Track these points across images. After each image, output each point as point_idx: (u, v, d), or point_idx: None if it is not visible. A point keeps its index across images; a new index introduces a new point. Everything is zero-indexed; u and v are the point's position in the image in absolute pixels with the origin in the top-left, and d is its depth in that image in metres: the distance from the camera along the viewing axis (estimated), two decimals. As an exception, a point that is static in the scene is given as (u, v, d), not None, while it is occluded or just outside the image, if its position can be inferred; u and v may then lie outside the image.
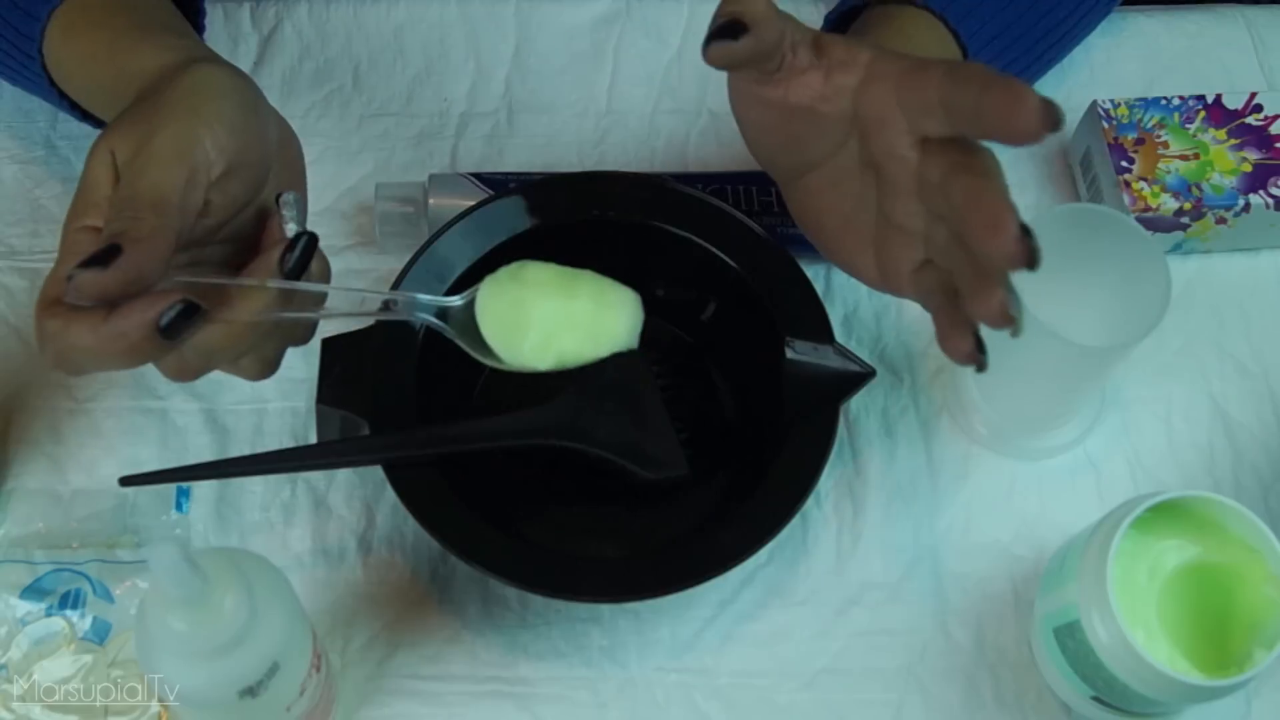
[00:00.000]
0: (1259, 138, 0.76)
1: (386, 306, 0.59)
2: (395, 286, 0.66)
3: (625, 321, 0.61)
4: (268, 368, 0.57)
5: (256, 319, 0.53)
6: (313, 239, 0.54)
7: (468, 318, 0.60)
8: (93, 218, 0.52)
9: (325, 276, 0.56)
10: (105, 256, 0.49)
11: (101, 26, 0.61)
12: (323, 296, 0.55)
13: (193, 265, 0.54)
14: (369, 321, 0.63)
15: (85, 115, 0.67)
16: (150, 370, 0.70)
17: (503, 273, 0.61)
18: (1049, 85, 0.82)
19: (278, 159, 0.57)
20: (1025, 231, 0.51)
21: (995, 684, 0.66)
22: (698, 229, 0.69)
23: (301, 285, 0.54)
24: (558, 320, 0.60)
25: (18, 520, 0.67)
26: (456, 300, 0.60)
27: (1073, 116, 0.80)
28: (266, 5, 0.82)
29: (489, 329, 0.60)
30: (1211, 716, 0.64)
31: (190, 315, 0.50)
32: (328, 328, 0.67)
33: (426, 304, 0.60)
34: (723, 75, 0.82)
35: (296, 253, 0.53)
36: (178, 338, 0.50)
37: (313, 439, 0.67)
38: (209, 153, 0.53)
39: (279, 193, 0.56)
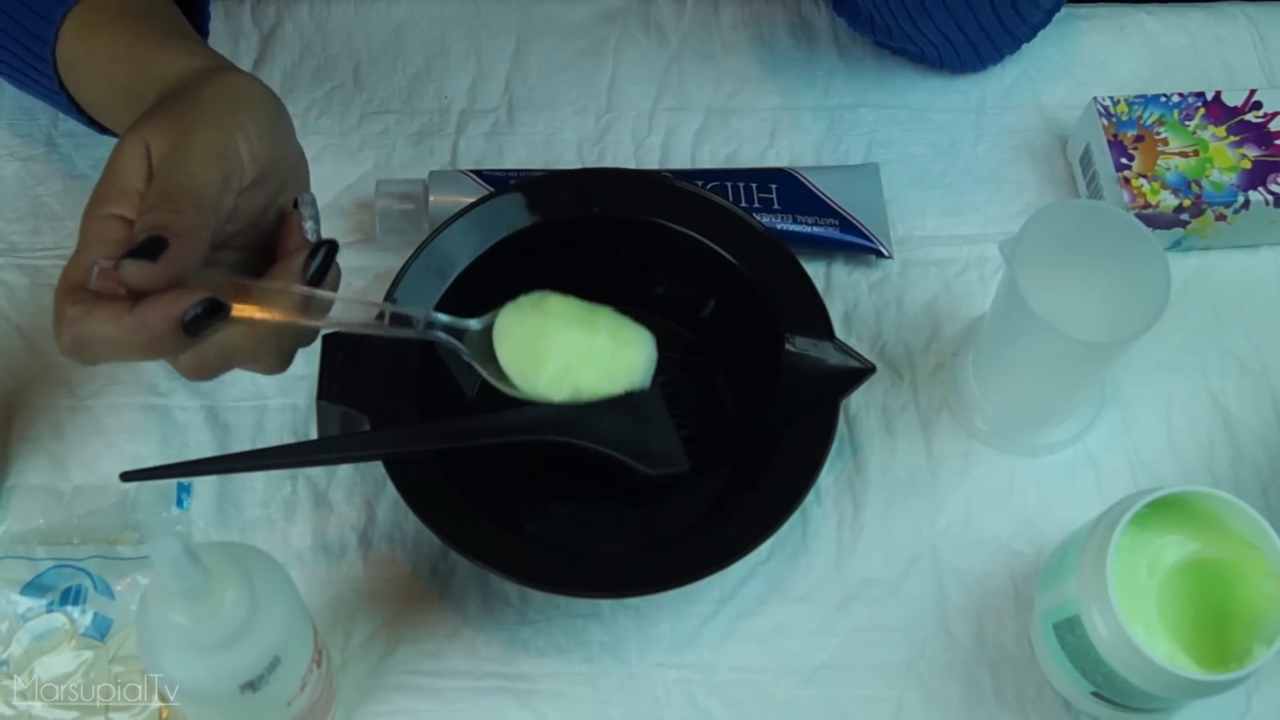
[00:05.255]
0: (1258, 134, 0.76)
1: (403, 321, 0.59)
2: (395, 283, 0.67)
3: (641, 360, 0.61)
4: (283, 363, 0.57)
5: (278, 321, 0.53)
6: (333, 246, 0.55)
7: (485, 341, 0.60)
8: (120, 206, 0.52)
9: (337, 282, 0.57)
10: (152, 248, 0.50)
11: (121, 29, 0.61)
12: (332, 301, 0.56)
13: (207, 268, 0.54)
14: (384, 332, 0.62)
15: (90, 120, 0.67)
16: (152, 367, 0.71)
17: (524, 301, 0.60)
18: (1050, 83, 0.83)
19: (294, 172, 0.58)
20: None
21: (995, 680, 0.66)
22: (697, 226, 0.69)
23: (323, 294, 0.54)
24: (577, 353, 0.59)
25: (19, 516, 0.67)
26: (474, 323, 0.60)
27: (1072, 113, 0.80)
28: (267, 3, 0.82)
29: (507, 355, 0.59)
30: (1211, 712, 0.64)
31: (214, 313, 0.51)
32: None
33: (445, 323, 0.59)
34: (721, 74, 0.82)
35: (318, 259, 0.54)
36: (199, 334, 0.51)
37: (313, 435, 0.67)
38: (243, 159, 0.54)
39: (297, 195, 0.57)
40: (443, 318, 0.59)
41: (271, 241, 0.57)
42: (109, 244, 0.52)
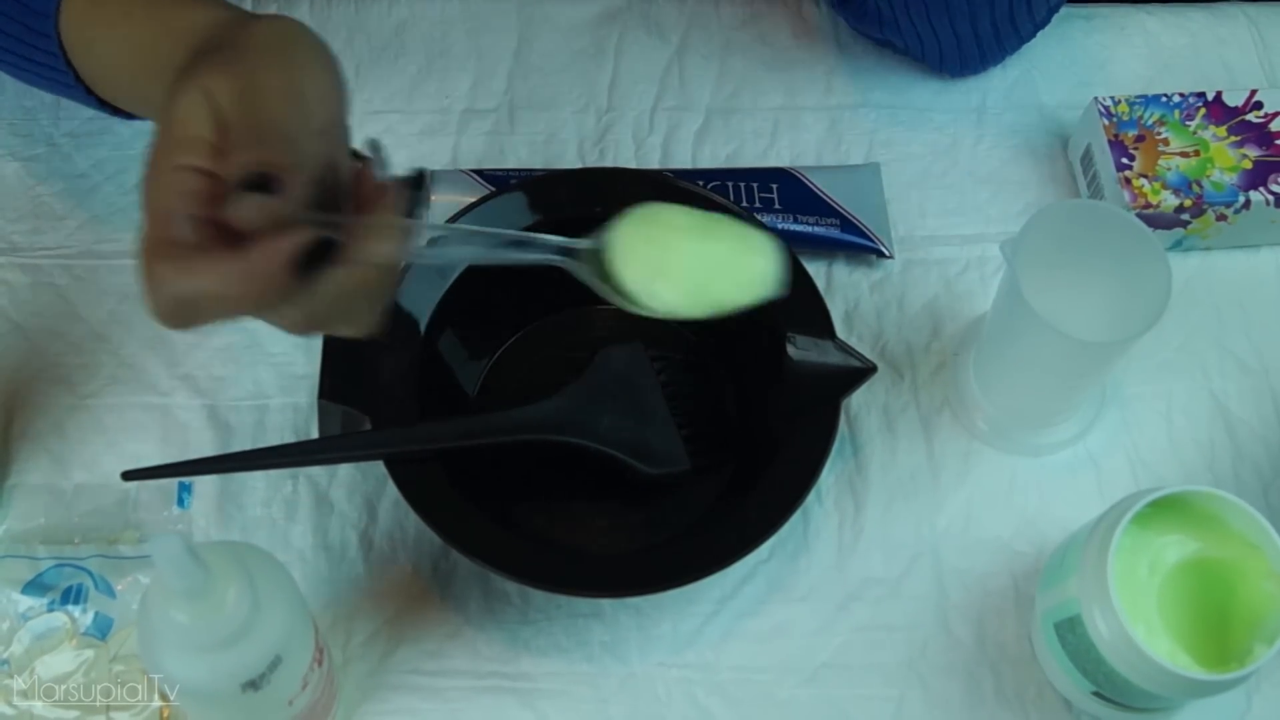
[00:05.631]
0: (1259, 135, 0.76)
1: (515, 243, 0.53)
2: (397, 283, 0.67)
3: (770, 265, 0.55)
4: (381, 319, 0.52)
5: (390, 258, 0.50)
6: (426, 175, 0.52)
7: (597, 261, 0.54)
8: (189, 156, 0.48)
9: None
10: (265, 182, 0.46)
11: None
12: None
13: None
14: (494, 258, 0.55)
15: (101, 103, 0.63)
16: (152, 366, 0.71)
17: (637, 214, 0.55)
18: (1051, 83, 0.83)
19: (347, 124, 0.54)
20: None
21: (996, 679, 0.66)
22: (699, 225, 0.69)
23: (442, 226, 0.51)
24: (704, 264, 0.54)
25: (20, 515, 0.67)
26: (585, 242, 0.54)
27: (1073, 113, 0.80)
28: (268, 2, 0.82)
29: (630, 273, 0.53)
30: (1212, 711, 0.64)
31: (328, 249, 0.47)
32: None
33: (555, 244, 0.54)
34: (722, 73, 0.82)
35: (417, 189, 0.51)
36: (311, 277, 0.47)
37: (314, 434, 0.67)
38: (310, 103, 0.51)
39: (362, 143, 0.53)
40: (551, 239, 0.54)
41: (332, 197, 0.51)
42: (188, 195, 0.47)
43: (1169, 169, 0.75)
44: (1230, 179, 0.74)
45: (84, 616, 0.64)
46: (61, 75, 0.62)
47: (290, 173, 0.47)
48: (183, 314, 0.47)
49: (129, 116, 0.65)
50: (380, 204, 0.50)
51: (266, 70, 0.50)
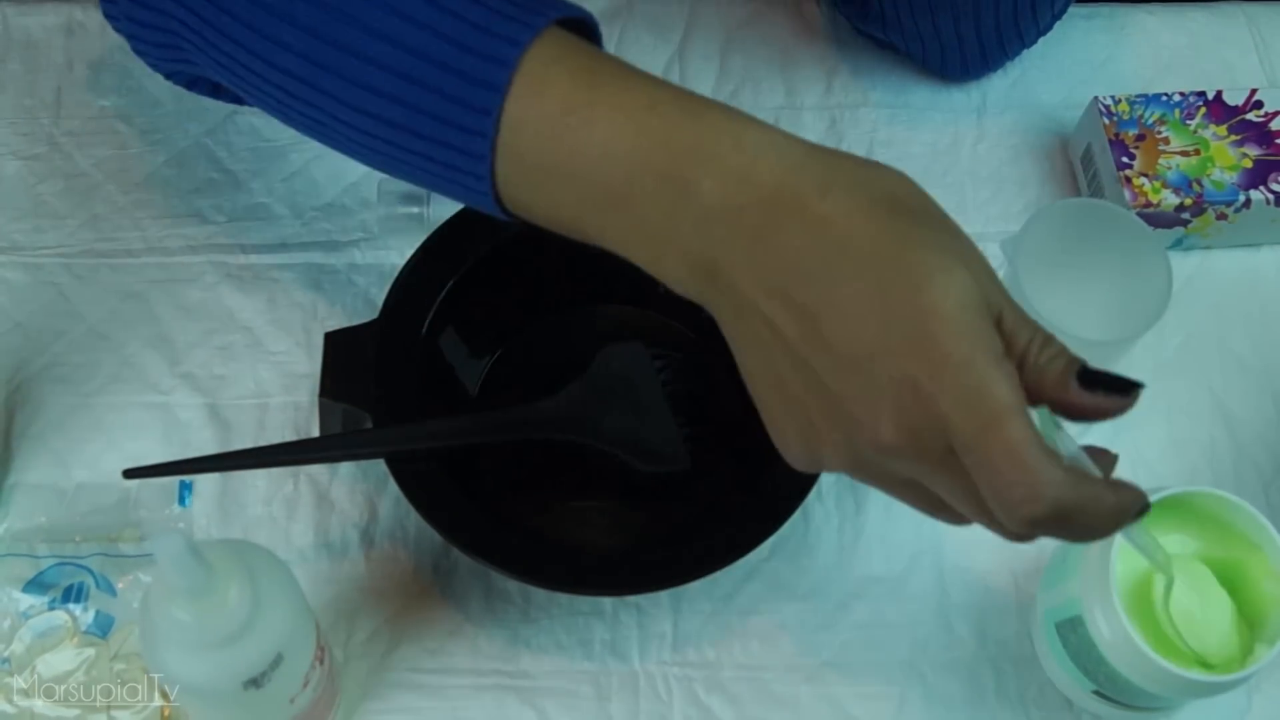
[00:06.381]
0: (1259, 134, 0.76)
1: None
2: (399, 279, 0.67)
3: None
4: None
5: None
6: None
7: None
8: (997, 346, 0.45)
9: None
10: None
11: (634, 76, 0.48)
12: None
13: None
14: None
15: (505, 212, 0.51)
16: (152, 364, 0.71)
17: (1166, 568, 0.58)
18: (1051, 83, 0.83)
19: None
20: None
21: (997, 678, 0.66)
22: (700, 224, 0.69)
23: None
24: (1238, 615, 0.60)
25: (20, 514, 0.67)
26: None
27: (1074, 112, 0.80)
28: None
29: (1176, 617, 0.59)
30: (1213, 711, 0.64)
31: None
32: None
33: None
34: (722, 73, 0.82)
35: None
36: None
37: (315, 433, 0.67)
38: None
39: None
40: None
41: None
42: (1020, 390, 0.45)
43: (1169, 168, 0.75)
44: (1230, 178, 0.74)
45: (85, 615, 0.64)
46: (471, 164, 0.50)
47: None
48: (1045, 524, 0.45)
49: (504, 213, 0.52)
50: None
51: (973, 247, 0.46)
